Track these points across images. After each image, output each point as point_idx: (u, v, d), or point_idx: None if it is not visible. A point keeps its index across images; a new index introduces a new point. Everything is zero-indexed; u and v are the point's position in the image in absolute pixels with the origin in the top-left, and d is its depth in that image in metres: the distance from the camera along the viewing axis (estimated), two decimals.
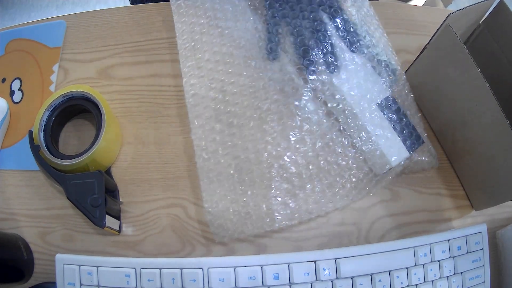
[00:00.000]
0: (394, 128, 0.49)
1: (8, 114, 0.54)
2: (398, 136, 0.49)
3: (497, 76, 0.54)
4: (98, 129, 0.48)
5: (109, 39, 0.59)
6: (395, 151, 0.49)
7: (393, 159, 0.48)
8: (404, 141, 0.49)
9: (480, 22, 0.50)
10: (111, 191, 0.50)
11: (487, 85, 0.42)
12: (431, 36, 0.49)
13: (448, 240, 0.46)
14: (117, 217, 0.49)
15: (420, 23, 0.63)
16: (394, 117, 0.50)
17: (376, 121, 0.49)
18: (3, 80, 0.57)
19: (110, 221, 0.46)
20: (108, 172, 0.51)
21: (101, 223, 0.44)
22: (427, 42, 0.49)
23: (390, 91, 0.51)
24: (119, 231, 0.48)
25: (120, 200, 0.50)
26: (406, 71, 0.56)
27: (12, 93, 0.56)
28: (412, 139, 0.49)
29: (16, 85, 0.57)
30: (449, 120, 0.51)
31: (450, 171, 0.54)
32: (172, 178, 0.51)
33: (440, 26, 0.48)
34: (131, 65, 0.57)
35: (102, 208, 0.44)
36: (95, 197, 0.44)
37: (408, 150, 0.49)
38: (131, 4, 0.75)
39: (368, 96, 0.50)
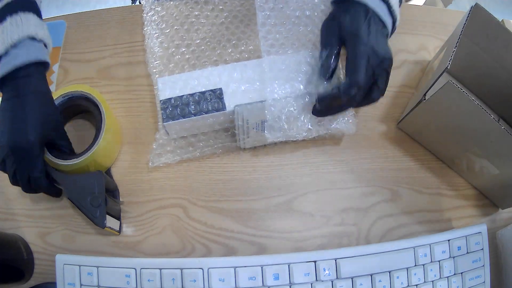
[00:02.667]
0: None
1: None
2: None
3: (483, 75, 0.55)
4: (98, 129, 0.48)
5: (109, 39, 0.59)
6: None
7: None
8: None
9: (460, 34, 0.50)
10: (111, 191, 0.50)
11: (503, 127, 0.42)
12: (427, 89, 0.48)
13: (448, 240, 0.46)
14: (118, 217, 0.49)
15: (419, 23, 0.63)
16: None
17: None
18: None
19: (110, 221, 0.46)
20: (108, 172, 0.51)
21: (102, 223, 0.44)
22: (423, 95, 0.48)
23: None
24: (119, 231, 0.48)
25: (120, 200, 0.50)
26: (400, 121, 0.55)
27: None
28: None
29: None
30: (460, 154, 0.51)
31: (450, 171, 0.54)
32: (172, 178, 0.51)
33: (436, 79, 0.48)
34: (131, 65, 0.57)
35: (103, 208, 0.44)
36: (95, 197, 0.44)
37: None
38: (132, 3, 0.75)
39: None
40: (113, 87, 0.56)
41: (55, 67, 0.57)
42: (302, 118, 0.49)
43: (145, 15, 0.58)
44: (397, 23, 0.48)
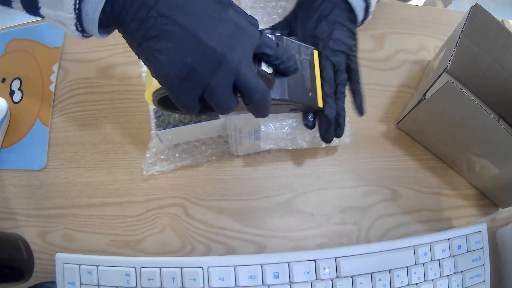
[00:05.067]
0: None
1: (8, 114, 0.54)
2: None
3: (482, 75, 0.55)
4: None
5: (109, 39, 0.58)
6: None
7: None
8: None
9: (460, 34, 0.50)
10: None
11: (503, 127, 0.42)
12: (426, 88, 0.48)
13: (448, 239, 0.46)
14: None
15: (419, 23, 0.63)
16: None
17: None
18: (3, 80, 0.57)
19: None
20: None
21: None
22: (423, 94, 0.48)
23: None
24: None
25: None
26: (400, 120, 0.55)
27: (12, 93, 0.56)
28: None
29: (16, 85, 0.57)
30: (460, 154, 0.51)
31: (450, 171, 0.54)
32: (172, 177, 0.51)
33: (436, 79, 0.48)
34: (131, 65, 0.57)
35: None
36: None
37: None
38: None
39: None
40: (113, 87, 0.56)
41: (55, 67, 0.57)
42: (296, 128, 0.49)
43: None
44: (371, 8, 0.48)
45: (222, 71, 0.32)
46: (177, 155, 0.51)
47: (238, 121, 0.47)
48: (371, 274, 0.44)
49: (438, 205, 0.52)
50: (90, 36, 0.36)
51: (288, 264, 0.43)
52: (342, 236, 0.50)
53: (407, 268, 0.44)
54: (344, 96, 0.47)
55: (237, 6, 0.35)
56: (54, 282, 0.44)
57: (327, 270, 0.43)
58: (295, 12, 0.51)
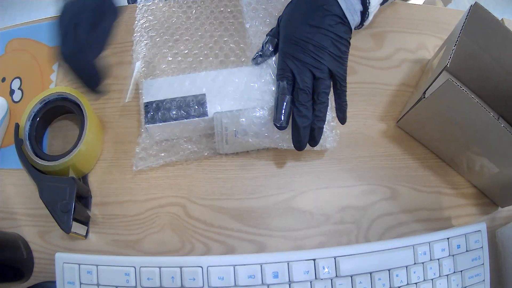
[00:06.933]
0: None
1: (8, 113, 0.54)
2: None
3: (482, 74, 0.55)
4: (80, 134, 0.48)
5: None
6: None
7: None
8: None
9: (460, 33, 0.50)
10: (84, 197, 0.50)
11: (502, 125, 0.42)
12: (426, 87, 0.48)
13: (448, 239, 0.46)
14: (85, 223, 0.49)
15: (419, 22, 0.63)
16: None
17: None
18: (3, 79, 0.57)
19: (76, 227, 0.46)
20: (84, 178, 0.51)
21: (67, 229, 0.44)
22: (422, 93, 0.48)
23: None
24: (86, 236, 0.49)
25: (91, 208, 0.50)
26: (399, 119, 0.55)
27: (12, 92, 0.56)
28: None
29: (16, 84, 0.57)
30: (460, 152, 0.51)
31: (449, 169, 0.54)
32: (171, 176, 0.51)
33: (436, 77, 0.47)
34: (130, 64, 0.57)
35: (70, 215, 0.44)
36: (65, 203, 0.44)
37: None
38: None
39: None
40: (113, 86, 0.56)
41: (55, 67, 0.57)
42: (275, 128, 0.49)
43: (136, 21, 0.57)
44: (371, 9, 0.47)
45: None
46: (166, 150, 0.52)
47: (225, 119, 0.47)
48: (370, 274, 0.44)
49: (438, 204, 0.52)
50: None
51: (288, 264, 0.43)
52: (342, 235, 0.50)
53: (406, 267, 0.44)
54: (325, 106, 0.45)
55: None
56: (54, 282, 0.44)
57: (326, 270, 0.43)
58: (279, 22, 0.49)
